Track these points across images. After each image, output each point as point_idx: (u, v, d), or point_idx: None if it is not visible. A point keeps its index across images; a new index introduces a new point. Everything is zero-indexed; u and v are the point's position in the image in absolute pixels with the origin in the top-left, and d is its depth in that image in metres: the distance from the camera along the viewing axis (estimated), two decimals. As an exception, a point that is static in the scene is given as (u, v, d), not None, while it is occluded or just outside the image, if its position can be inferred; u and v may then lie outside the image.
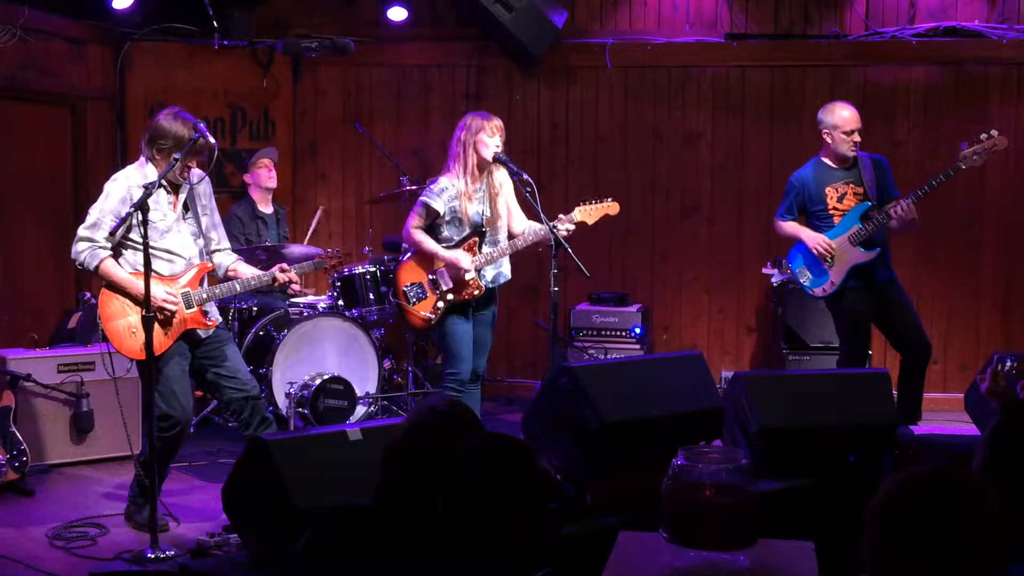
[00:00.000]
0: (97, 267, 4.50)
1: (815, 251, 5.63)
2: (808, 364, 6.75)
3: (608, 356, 6.87)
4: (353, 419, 6.02)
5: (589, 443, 3.95)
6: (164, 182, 4.53)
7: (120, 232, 4.47)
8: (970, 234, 7.30)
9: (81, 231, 4.53)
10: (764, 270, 7.06)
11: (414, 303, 5.25)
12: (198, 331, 4.68)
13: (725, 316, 7.62)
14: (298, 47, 7.28)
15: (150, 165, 4.57)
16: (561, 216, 5.20)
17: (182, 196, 4.68)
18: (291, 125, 7.90)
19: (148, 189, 4.27)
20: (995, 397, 3.50)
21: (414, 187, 6.88)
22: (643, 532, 3.04)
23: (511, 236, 5.36)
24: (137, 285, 4.39)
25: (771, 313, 7.31)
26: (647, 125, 7.61)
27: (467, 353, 5.26)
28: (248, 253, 6.11)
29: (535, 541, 2.12)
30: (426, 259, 5.29)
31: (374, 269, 6.51)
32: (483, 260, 5.25)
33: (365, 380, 6.34)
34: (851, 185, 5.64)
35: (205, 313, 4.70)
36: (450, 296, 5.24)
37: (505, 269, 5.39)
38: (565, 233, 5.13)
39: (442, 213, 5.21)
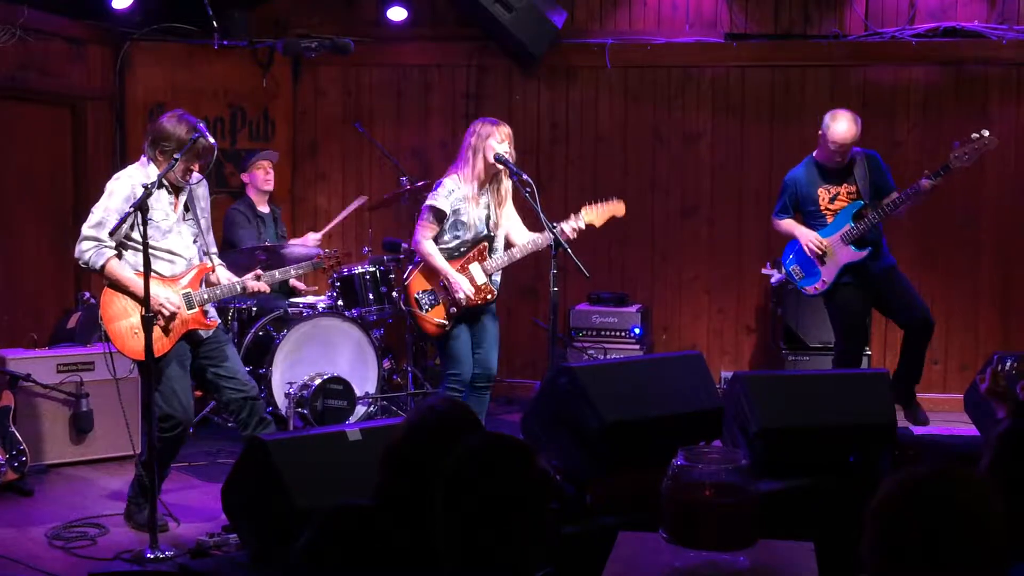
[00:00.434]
0: (103, 266, 4.50)
1: (807, 249, 5.66)
2: (807, 364, 6.76)
3: (608, 356, 6.87)
4: (353, 419, 6.02)
5: (589, 443, 3.95)
6: (166, 183, 4.53)
7: (121, 231, 4.47)
8: (968, 234, 7.30)
9: (86, 230, 4.52)
10: (763, 270, 7.07)
11: (427, 310, 5.25)
12: (199, 331, 4.68)
13: (725, 316, 7.62)
14: (298, 47, 7.28)
15: (152, 165, 4.58)
16: (572, 216, 5.21)
17: (183, 197, 4.68)
18: (291, 125, 7.90)
19: (148, 189, 4.27)
20: (995, 397, 3.50)
21: (416, 185, 6.87)
22: (643, 532, 3.04)
23: (509, 245, 5.36)
24: (141, 285, 4.39)
25: (770, 313, 7.32)
26: (647, 125, 7.62)
27: (467, 354, 5.26)
28: (248, 253, 6.11)
29: (535, 541, 2.12)
30: None
31: (373, 269, 6.51)
32: (494, 265, 5.26)
33: (365, 380, 6.34)
34: (844, 185, 5.67)
35: (205, 313, 4.70)
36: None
37: (497, 277, 5.39)
38: (573, 235, 5.14)
39: (448, 214, 5.21)
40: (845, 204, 5.64)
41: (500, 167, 5.16)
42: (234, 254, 6.11)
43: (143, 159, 4.63)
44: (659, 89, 7.59)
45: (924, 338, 5.69)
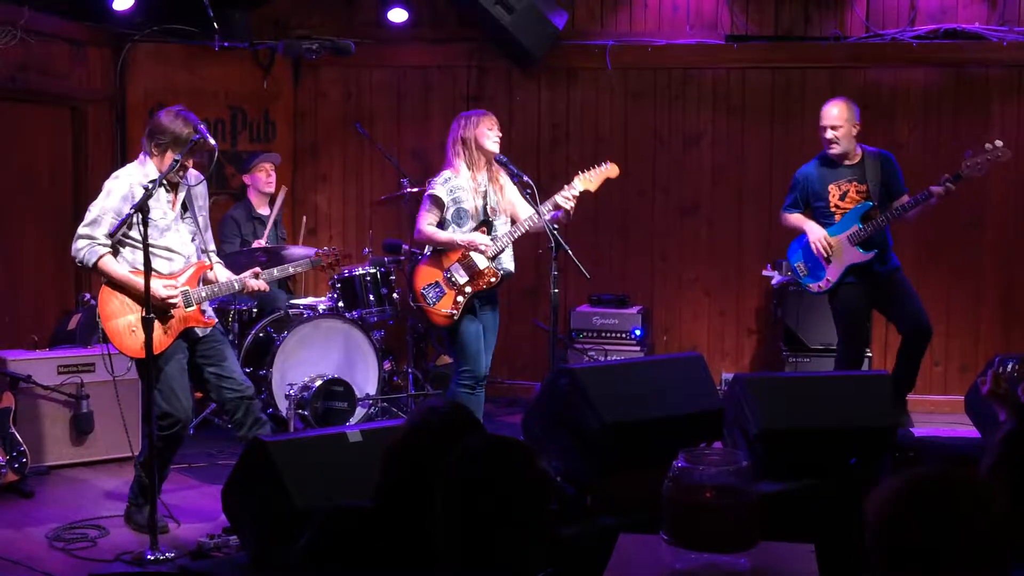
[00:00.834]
0: (96, 264, 4.50)
1: (814, 249, 5.67)
2: (808, 366, 6.75)
3: (608, 358, 6.87)
4: (353, 421, 6.02)
5: (589, 444, 3.95)
6: (163, 180, 4.54)
7: (120, 232, 4.47)
8: (971, 235, 7.29)
9: (80, 229, 4.54)
10: (764, 272, 7.07)
11: (434, 303, 5.29)
12: (196, 329, 4.69)
13: (725, 318, 7.62)
14: (299, 48, 7.28)
15: (150, 162, 4.58)
16: (564, 187, 5.23)
17: (180, 195, 4.68)
18: (291, 127, 7.89)
19: (148, 189, 4.27)
20: (996, 399, 3.49)
21: (415, 189, 6.87)
22: (643, 534, 3.04)
23: (513, 222, 5.40)
24: (136, 282, 4.40)
25: (771, 315, 7.32)
26: (647, 126, 7.61)
27: (479, 349, 5.30)
28: (248, 254, 6.10)
29: (535, 542, 2.12)
30: (438, 257, 5.32)
31: (374, 271, 6.51)
32: (496, 246, 5.28)
33: (365, 382, 6.34)
34: (854, 183, 5.68)
35: (203, 311, 4.70)
36: (468, 289, 5.28)
37: (508, 263, 5.40)
38: (567, 204, 5.16)
39: (445, 203, 5.23)
40: (855, 204, 5.65)
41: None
42: (235, 254, 6.11)
43: (141, 156, 4.63)
44: (659, 90, 7.59)
45: (922, 346, 5.72)
